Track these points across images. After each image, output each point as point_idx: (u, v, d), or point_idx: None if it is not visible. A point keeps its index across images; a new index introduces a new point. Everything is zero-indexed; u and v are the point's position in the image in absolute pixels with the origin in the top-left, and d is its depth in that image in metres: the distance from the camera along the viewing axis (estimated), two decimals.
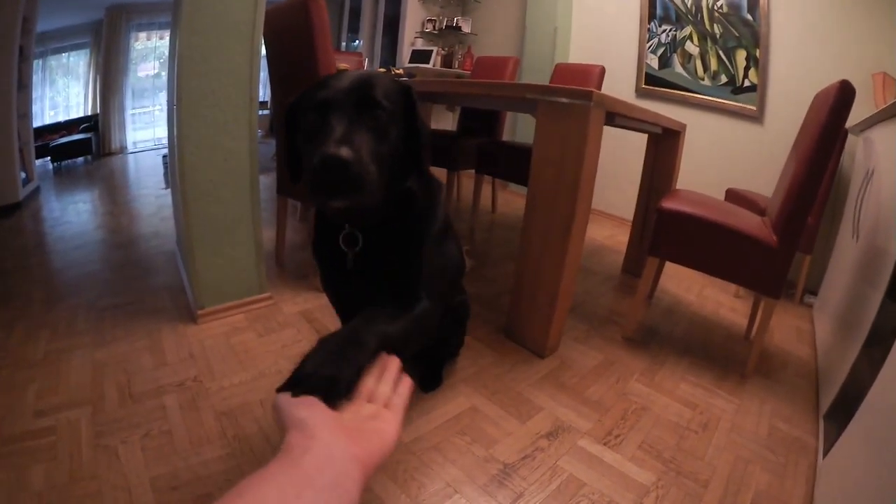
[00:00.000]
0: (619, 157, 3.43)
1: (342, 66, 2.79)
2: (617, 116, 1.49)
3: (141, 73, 5.79)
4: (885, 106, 1.72)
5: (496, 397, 1.32)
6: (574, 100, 1.31)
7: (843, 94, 1.31)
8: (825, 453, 1.15)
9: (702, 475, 1.11)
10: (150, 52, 5.75)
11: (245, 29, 1.45)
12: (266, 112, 5.24)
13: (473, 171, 2.86)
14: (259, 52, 1.53)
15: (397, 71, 3.83)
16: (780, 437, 1.30)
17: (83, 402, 1.16)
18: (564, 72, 3.08)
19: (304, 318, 1.65)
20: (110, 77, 5.45)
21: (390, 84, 0.70)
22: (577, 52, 3.79)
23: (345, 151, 0.54)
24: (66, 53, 5.33)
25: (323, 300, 1.74)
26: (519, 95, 1.46)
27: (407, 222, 0.81)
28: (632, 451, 1.17)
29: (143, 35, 5.60)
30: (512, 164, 2.60)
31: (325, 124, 0.60)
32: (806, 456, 1.23)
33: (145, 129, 5.95)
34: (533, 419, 1.24)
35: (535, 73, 3.79)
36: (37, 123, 5.23)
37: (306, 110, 0.65)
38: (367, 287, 0.84)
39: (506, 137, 3.45)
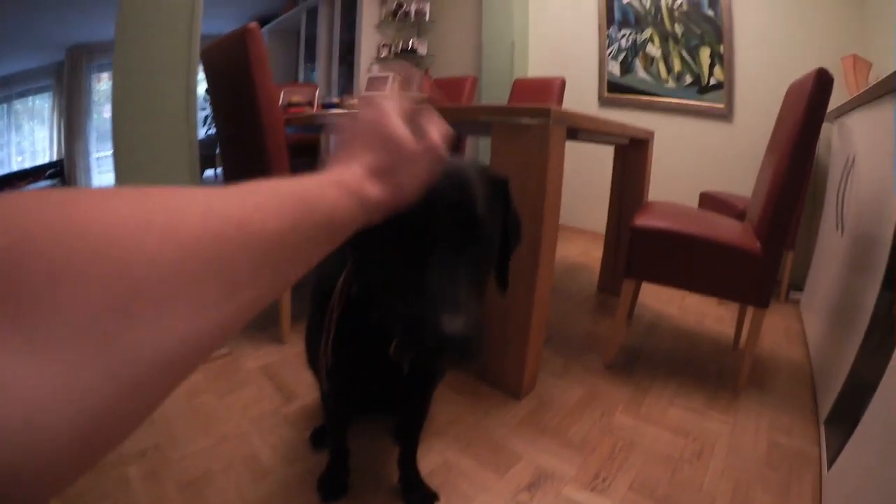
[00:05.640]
0: (587, 170, 3.35)
1: (295, 98, 2.70)
2: (580, 131, 1.42)
3: (105, 115, 5.63)
4: (859, 92, 1.67)
5: (470, 449, 1.21)
6: (531, 119, 1.22)
7: (821, 84, 1.22)
8: (830, 463, 1.08)
9: None
10: None
11: (180, 68, 1.37)
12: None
13: None
14: (195, 91, 1.45)
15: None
16: (780, 451, 1.22)
17: None
18: (523, 87, 3.04)
19: (265, 374, 1.53)
20: (74, 120, 5.36)
21: (486, 184, 0.53)
22: (536, 66, 3.75)
23: (461, 324, 0.40)
24: (31, 97, 5.21)
25: (284, 353, 1.64)
26: (472, 118, 1.37)
27: None
28: (622, 493, 1.07)
29: (105, 76, 5.37)
30: None
31: (420, 263, 0.45)
32: (809, 468, 1.15)
33: (111, 172, 5.82)
34: (511, 470, 1.14)
35: (495, 90, 3.69)
36: (4, 171, 5.13)
37: (388, 229, 0.43)
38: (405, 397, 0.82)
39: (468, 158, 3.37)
